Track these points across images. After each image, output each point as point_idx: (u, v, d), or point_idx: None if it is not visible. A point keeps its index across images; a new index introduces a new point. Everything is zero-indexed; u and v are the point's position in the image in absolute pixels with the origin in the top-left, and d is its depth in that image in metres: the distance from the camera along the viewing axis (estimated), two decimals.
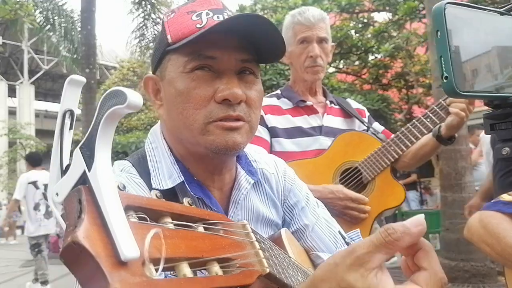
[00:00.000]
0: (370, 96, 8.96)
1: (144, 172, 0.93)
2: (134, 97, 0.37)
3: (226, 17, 0.91)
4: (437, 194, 9.33)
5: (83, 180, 0.38)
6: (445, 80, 0.49)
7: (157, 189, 0.88)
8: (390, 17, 9.59)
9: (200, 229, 0.48)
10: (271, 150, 1.98)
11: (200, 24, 0.89)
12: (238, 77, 0.90)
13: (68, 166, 0.40)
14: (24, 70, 26.01)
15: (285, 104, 2.07)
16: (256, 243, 0.54)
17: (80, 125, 12.31)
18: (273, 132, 1.98)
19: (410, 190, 10.19)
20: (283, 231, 0.96)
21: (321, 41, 1.99)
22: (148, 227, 0.40)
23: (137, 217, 0.41)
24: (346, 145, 1.98)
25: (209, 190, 0.96)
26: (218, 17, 0.90)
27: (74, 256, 0.35)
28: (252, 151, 1.14)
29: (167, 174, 0.92)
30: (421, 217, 0.54)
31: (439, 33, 0.50)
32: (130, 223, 0.38)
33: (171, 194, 0.91)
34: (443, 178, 5.72)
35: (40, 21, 15.03)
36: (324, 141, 1.99)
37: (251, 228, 0.55)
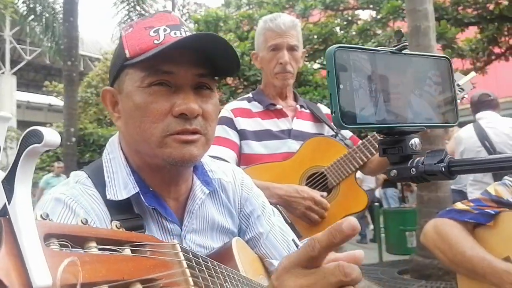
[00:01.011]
0: None
1: (99, 183, 0.96)
2: (51, 136, 0.40)
3: (183, 33, 0.94)
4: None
5: (4, 212, 0.41)
6: (333, 115, 0.56)
7: (112, 200, 0.92)
8: (374, 15, 9.68)
9: (126, 251, 0.52)
10: (240, 152, 2.02)
11: (158, 40, 0.92)
12: (194, 91, 0.93)
13: None
14: (6, 60, 25.60)
15: (255, 107, 2.11)
16: (184, 262, 0.57)
17: (62, 117, 12.21)
18: (243, 135, 2.03)
19: (389, 187, 10.32)
20: (234, 240, 1.00)
21: (291, 48, 2.04)
22: (66, 254, 0.43)
23: (59, 244, 0.45)
24: (314, 150, 2.03)
25: (164, 201, 0.99)
26: (175, 33, 0.94)
27: None
28: (210, 160, 1.17)
29: (122, 185, 0.95)
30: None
31: (329, 74, 0.57)
32: (48, 251, 0.42)
33: (126, 205, 0.94)
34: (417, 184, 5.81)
35: (23, 11, 14.82)
36: (292, 145, 2.04)
37: (180, 247, 0.59)
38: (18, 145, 0.41)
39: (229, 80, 9.10)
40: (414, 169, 0.61)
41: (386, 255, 7.56)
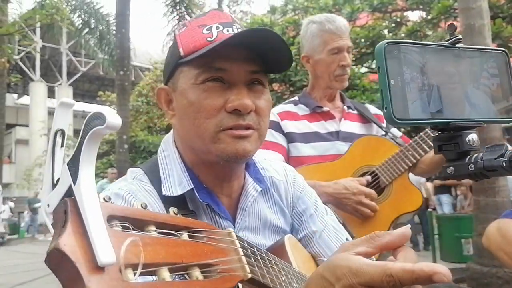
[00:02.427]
0: None
1: (155, 180, 0.98)
2: (113, 118, 0.42)
3: (235, 30, 0.95)
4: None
5: (70, 193, 0.43)
6: (385, 110, 0.55)
7: (167, 196, 0.94)
8: (424, 16, 9.43)
9: (184, 236, 0.52)
10: (288, 156, 2.01)
11: (211, 38, 0.93)
12: (247, 87, 0.94)
13: (58, 180, 0.45)
14: (63, 72, 26.86)
15: (302, 110, 2.10)
16: (240, 250, 0.57)
17: None
18: (290, 138, 2.02)
19: (443, 193, 9.98)
20: (287, 238, 0.99)
21: (348, 50, 2.03)
22: (129, 235, 0.44)
23: (121, 226, 0.46)
24: (364, 149, 1.99)
25: (217, 197, 1.00)
26: (228, 31, 0.94)
27: (56, 261, 0.40)
28: (262, 159, 1.17)
29: (177, 181, 0.97)
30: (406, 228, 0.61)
31: (380, 69, 0.56)
32: (111, 231, 0.43)
33: (181, 201, 0.96)
34: (476, 181, 5.59)
35: (78, 24, 15.52)
36: (341, 146, 2.01)
37: (236, 236, 0.59)
38: (82, 128, 0.43)
39: (275, 86, 9.12)
40: (472, 165, 0.59)
41: (440, 263, 7.30)
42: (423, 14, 9.45)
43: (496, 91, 0.65)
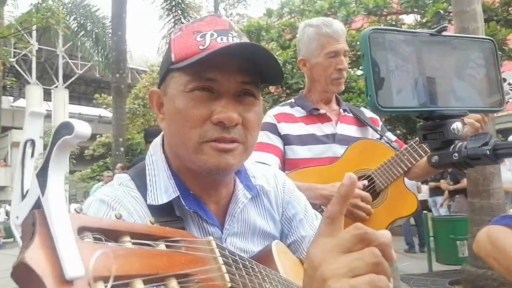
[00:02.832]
0: None
1: (142, 186, 0.96)
2: (82, 128, 0.41)
3: (230, 38, 0.92)
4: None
5: (38, 204, 0.42)
6: (369, 98, 0.55)
7: (152, 205, 0.93)
8: (419, 19, 9.44)
9: (161, 246, 0.51)
10: (284, 158, 2.00)
11: (203, 46, 0.91)
12: (237, 99, 0.92)
13: (27, 192, 0.44)
14: (59, 75, 26.79)
15: (298, 112, 2.10)
16: (220, 258, 0.56)
17: (111, 128, 12.60)
18: (286, 140, 2.01)
19: (439, 195, 9.99)
20: (274, 243, 0.98)
21: (345, 53, 2.03)
22: (100, 246, 0.43)
23: (93, 237, 0.45)
24: (359, 152, 1.99)
25: (205, 204, 0.99)
26: (222, 39, 0.92)
27: (23, 276, 0.39)
28: (252, 165, 1.15)
29: (163, 188, 0.95)
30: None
31: (364, 56, 0.55)
32: (81, 243, 0.42)
33: (167, 207, 0.94)
34: (471, 184, 5.59)
35: (74, 27, 15.49)
36: (337, 149, 2.01)
37: (216, 244, 0.58)
38: (51, 138, 0.42)
39: (272, 88, 9.10)
40: (456, 154, 0.58)
41: (435, 265, 7.30)
42: (418, 17, 9.47)
43: (482, 79, 0.64)
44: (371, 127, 2.12)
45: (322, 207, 1.85)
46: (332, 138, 2.04)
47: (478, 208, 5.41)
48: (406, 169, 1.91)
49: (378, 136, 2.10)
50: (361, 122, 2.13)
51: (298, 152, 2.00)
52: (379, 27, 0.56)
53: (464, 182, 9.07)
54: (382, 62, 0.55)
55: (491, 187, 5.30)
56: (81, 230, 0.44)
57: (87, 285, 0.40)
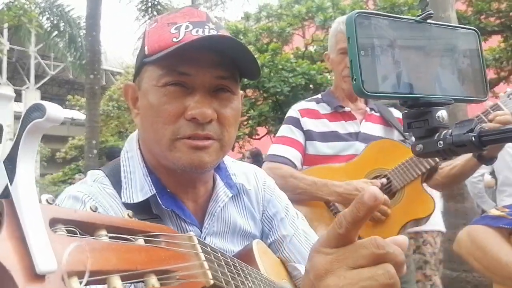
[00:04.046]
0: None
1: (117, 183, 0.93)
2: (54, 110, 0.37)
3: (206, 31, 0.89)
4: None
5: (6, 193, 0.38)
6: (354, 82, 0.54)
7: (127, 203, 0.89)
8: None
9: (140, 241, 0.48)
10: (305, 153, 2.02)
11: (177, 38, 0.87)
12: (213, 94, 0.88)
13: None
14: (31, 75, 26.15)
15: (323, 108, 2.11)
16: (202, 255, 0.54)
17: (84, 131, 12.37)
18: (308, 135, 2.03)
19: None
20: (255, 242, 0.96)
21: None
22: (74, 240, 0.40)
23: (66, 230, 0.41)
24: (377, 152, 1.98)
25: (182, 202, 0.96)
26: (197, 31, 0.88)
27: None
28: (232, 163, 1.13)
29: (139, 186, 0.92)
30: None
31: (350, 40, 0.54)
32: (53, 236, 0.39)
33: (144, 205, 0.91)
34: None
35: (47, 27, 15.17)
36: (360, 147, 2.01)
37: (198, 240, 0.55)
38: (20, 122, 0.38)
39: (249, 91, 9.09)
40: (441, 142, 0.57)
41: None
42: None
43: (467, 69, 0.64)
44: (397, 128, 2.11)
45: (336, 205, 1.84)
46: (355, 136, 2.04)
47: (452, 212, 5.49)
48: (424, 170, 1.91)
49: (403, 138, 2.10)
50: (387, 122, 2.12)
51: (319, 148, 2.01)
52: (365, 10, 0.55)
53: None
54: (368, 46, 0.54)
55: (465, 191, 5.39)
56: (53, 222, 0.41)
57: (61, 280, 0.37)
